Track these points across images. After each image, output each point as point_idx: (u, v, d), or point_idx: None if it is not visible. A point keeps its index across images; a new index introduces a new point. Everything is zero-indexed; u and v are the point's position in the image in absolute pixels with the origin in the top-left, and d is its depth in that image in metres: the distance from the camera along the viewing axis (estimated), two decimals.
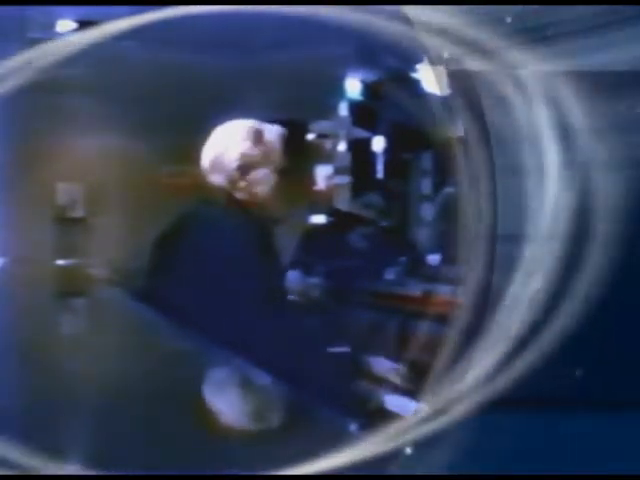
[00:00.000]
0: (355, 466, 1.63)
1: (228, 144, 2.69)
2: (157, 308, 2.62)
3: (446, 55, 2.38)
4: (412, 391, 2.55)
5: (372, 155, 6.31)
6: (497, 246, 2.36)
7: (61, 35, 4.58)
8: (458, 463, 1.89)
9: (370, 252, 4.55)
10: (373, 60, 5.46)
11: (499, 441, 2.09)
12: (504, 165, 2.36)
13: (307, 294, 4.05)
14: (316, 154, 5.34)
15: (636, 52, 2.31)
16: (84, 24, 3.64)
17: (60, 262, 5.47)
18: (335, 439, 1.69)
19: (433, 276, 3.82)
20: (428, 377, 2.35)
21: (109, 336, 2.69)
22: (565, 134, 2.32)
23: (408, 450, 1.89)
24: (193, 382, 2.05)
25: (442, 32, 2.33)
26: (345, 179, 5.96)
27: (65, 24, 4.75)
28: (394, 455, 1.85)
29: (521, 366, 2.20)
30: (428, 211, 5.85)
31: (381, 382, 2.67)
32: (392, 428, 1.97)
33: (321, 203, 5.00)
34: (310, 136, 4.91)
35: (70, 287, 4.26)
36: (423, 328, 3.24)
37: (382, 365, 2.75)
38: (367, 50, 5.05)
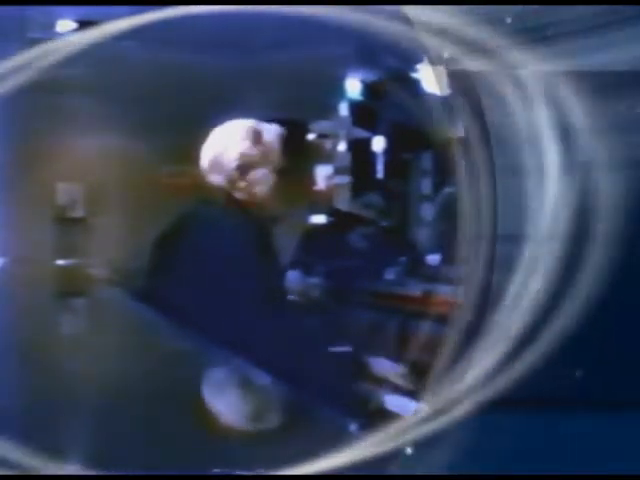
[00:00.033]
0: (355, 466, 1.63)
1: (227, 144, 2.69)
2: (157, 308, 2.61)
3: (446, 55, 2.38)
4: (412, 391, 2.55)
5: (372, 155, 6.30)
6: (497, 246, 2.35)
7: (61, 35, 4.57)
8: (458, 463, 1.89)
9: (370, 252, 4.55)
10: (373, 60, 5.45)
11: (499, 441, 2.09)
12: (504, 165, 2.36)
13: (307, 294, 4.05)
14: (316, 154, 5.34)
15: (636, 52, 2.31)
16: (84, 24, 3.64)
17: (60, 262, 5.47)
18: (335, 439, 1.69)
19: (433, 276, 3.82)
20: (428, 377, 2.35)
21: (109, 336, 2.69)
22: (565, 134, 2.32)
23: (408, 450, 1.89)
24: (193, 382, 2.05)
25: (442, 32, 2.33)
26: (345, 179, 5.96)
27: (65, 24, 4.74)
28: (394, 455, 1.85)
29: (521, 366, 2.20)
30: (428, 211, 5.84)
31: (381, 382, 2.67)
32: (392, 428, 1.97)
33: (321, 203, 4.99)
34: (310, 136, 4.90)
35: (70, 287, 4.26)
36: (423, 328, 3.24)
37: (382, 365, 2.75)
38: (367, 50, 5.05)
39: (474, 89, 2.38)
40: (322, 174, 5.12)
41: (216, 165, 2.69)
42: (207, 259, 2.53)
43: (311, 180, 4.33)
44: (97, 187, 6.08)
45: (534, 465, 2.05)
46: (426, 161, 6.25)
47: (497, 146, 2.37)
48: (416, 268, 4.24)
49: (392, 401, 2.55)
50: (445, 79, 2.47)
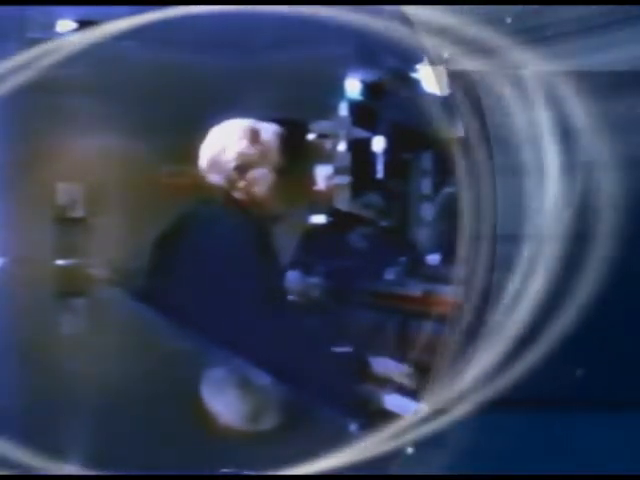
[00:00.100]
0: (355, 466, 1.63)
1: (225, 144, 2.69)
2: (157, 308, 2.61)
3: (446, 55, 2.38)
4: (412, 391, 2.55)
5: (372, 155, 6.30)
6: (497, 246, 2.35)
7: (61, 35, 4.57)
8: (458, 463, 1.89)
9: (370, 252, 4.55)
10: (373, 60, 5.45)
11: (499, 441, 2.09)
12: (504, 165, 2.36)
13: (307, 294, 4.05)
14: (316, 154, 5.34)
15: (636, 52, 2.31)
16: (84, 24, 3.64)
17: (60, 262, 5.47)
18: (335, 439, 1.69)
19: (433, 276, 3.81)
20: (428, 377, 2.35)
21: (109, 336, 2.69)
22: (565, 134, 2.32)
23: (408, 450, 1.89)
24: (193, 382, 2.05)
25: (442, 32, 2.33)
26: (345, 179, 5.96)
27: (65, 24, 4.74)
28: (394, 455, 1.85)
29: (521, 366, 2.20)
30: (428, 211, 5.84)
31: (381, 382, 2.67)
32: (392, 428, 1.97)
33: (321, 203, 4.99)
34: (310, 136, 4.90)
35: (70, 287, 4.26)
36: (423, 328, 3.23)
37: (382, 365, 2.75)
38: (367, 50, 5.05)
39: (474, 89, 2.38)
40: (322, 174, 5.12)
41: (215, 165, 2.69)
42: (207, 259, 2.53)
43: (311, 180, 4.34)
44: (97, 187, 6.08)
45: (534, 465, 2.04)
46: (426, 161, 6.25)
47: (497, 146, 2.37)
48: (416, 268, 4.24)
49: (392, 401, 2.55)
50: (445, 79, 2.47)
